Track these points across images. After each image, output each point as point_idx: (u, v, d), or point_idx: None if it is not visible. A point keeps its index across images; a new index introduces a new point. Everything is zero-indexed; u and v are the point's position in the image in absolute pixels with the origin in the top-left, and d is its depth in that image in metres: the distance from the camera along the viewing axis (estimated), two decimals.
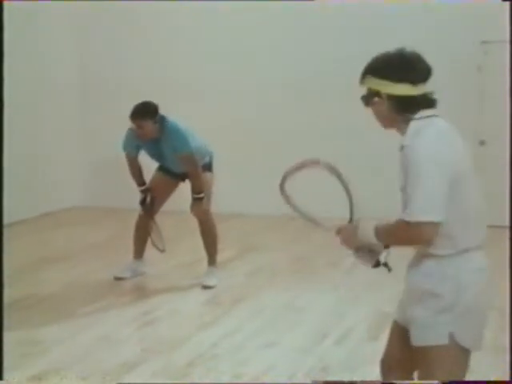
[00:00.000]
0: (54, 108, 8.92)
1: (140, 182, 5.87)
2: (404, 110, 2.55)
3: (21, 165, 8.16)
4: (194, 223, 5.93)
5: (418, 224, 2.38)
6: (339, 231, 2.67)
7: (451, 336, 2.48)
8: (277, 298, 5.52)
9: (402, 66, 2.54)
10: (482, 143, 7.89)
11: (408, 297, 2.64)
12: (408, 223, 2.40)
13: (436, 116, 2.56)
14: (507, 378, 3.90)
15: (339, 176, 2.70)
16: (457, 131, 2.58)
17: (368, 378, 3.92)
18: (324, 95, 8.32)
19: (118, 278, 5.94)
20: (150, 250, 6.01)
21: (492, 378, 3.84)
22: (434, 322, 2.50)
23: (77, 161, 9.31)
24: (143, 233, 5.97)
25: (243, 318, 5.09)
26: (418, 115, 2.53)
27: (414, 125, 2.52)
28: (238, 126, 8.62)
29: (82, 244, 7.31)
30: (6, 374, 3.12)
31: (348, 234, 2.63)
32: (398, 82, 2.53)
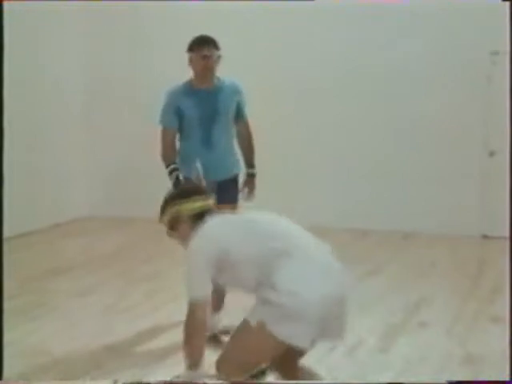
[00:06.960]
0: (60, 117, 8.92)
1: (173, 159, 4.86)
2: (200, 219, 3.13)
3: (29, 176, 8.20)
4: None
5: (192, 301, 3.03)
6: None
7: (262, 322, 2.94)
8: None
9: (190, 185, 3.56)
10: (492, 154, 7.86)
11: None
12: (189, 305, 3.04)
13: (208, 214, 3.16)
14: None
15: None
16: (237, 217, 3.28)
17: None
18: (321, 95, 8.26)
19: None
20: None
21: None
22: (255, 309, 3.02)
23: (85, 171, 9.32)
24: None
25: None
26: (195, 224, 3.12)
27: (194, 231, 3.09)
28: None
29: (91, 254, 7.31)
30: None
31: None
32: (193, 196, 3.21)
